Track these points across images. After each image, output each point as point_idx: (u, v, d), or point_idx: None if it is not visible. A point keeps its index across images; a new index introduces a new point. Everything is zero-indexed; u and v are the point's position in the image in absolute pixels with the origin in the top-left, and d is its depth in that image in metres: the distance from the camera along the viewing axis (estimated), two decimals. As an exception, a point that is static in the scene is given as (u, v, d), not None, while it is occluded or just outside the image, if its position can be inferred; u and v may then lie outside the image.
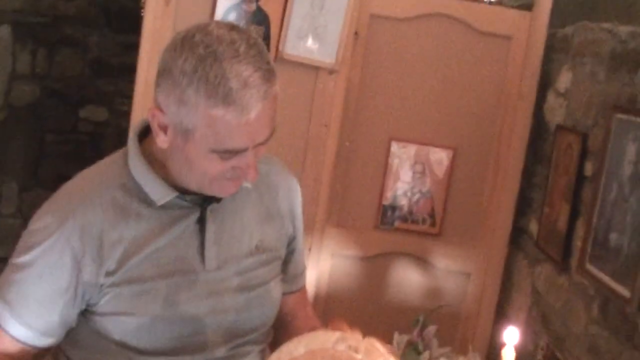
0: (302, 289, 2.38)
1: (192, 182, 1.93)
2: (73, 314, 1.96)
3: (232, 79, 1.78)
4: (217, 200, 2.01)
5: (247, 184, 2.05)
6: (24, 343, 1.94)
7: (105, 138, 6.65)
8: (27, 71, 6.23)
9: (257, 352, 2.14)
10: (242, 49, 1.81)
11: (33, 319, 1.93)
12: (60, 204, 1.96)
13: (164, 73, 1.84)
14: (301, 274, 2.36)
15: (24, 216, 6.40)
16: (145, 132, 2.03)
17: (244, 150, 1.85)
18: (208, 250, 2.00)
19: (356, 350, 1.90)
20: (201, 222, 2.00)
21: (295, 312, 2.33)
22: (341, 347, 1.91)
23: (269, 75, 1.83)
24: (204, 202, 2.00)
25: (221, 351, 2.05)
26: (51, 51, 6.43)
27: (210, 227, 2.01)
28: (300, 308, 2.35)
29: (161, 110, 1.86)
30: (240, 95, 1.78)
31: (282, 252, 2.21)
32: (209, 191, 1.95)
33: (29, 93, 6.30)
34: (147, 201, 1.96)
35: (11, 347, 1.94)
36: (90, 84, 6.70)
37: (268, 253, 2.13)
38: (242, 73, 1.78)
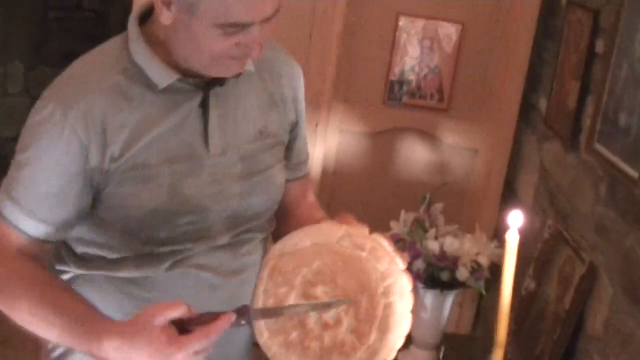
0: (305, 177, 2.36)
1: (196, 62, 1.90)
2: (86, 202, 1.95)
3: None
4: (220, 84, 1.98)
5: (251, 68, 2.03)
6: (42, 239, 1.94)
7: (111, 14, 6.58)
8: (28, -53, 6.17)
9: (260, 239, 2.15)
10: None
11: (48, 214, 1.92)
12: (62, 91, 1.93)
13: None
14: (304, 161, 2.34)
15: (31, 95, 6.40)
16: (145, 16, 1.99)
17: (249, 24, 1.82)
18: (212, 135, 1.98)
19: (361, 248, 1.89)
20: (204, 106, 1.98)
21: (298, 199, 2.32)
22: (346, 243, 1.90)
23: None
24: (207, 85, 1.97)
25: (224, 238, 2.06)
26: None
27: (214, 112, 1.98)
28: (303, 196, 2.34)
29: None
30: None
31: (285, 138, 2.18)
32: (213, 71, 1.92)
33: (31, -31, 6.24)
34: (149, 85, 1.93)
35: (27, 244, 1.94)
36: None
37: (271, 138, 2.11)
38: None
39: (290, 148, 2.24)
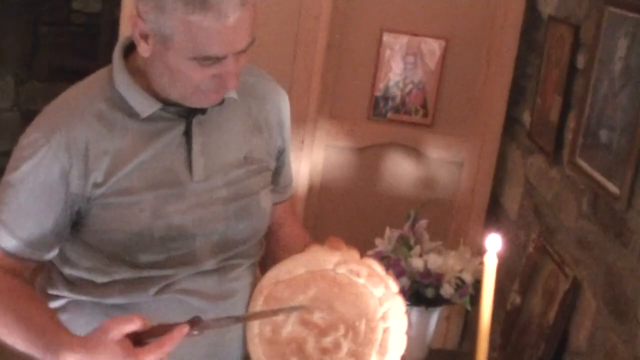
0: (290, 199, 2.41)
1: (174, 92, 1.94)
2: (66, 227, 2.00)
3: None
4: (203, 112, 2.02)
5: (234, 95, 2.06)
6: (18, 257, 1.99)
7: (100, 28, 6.60)
8: (17, -37, 6.19)
9: (247, 265, 2.17)
10: None
11: (27, 233, 1.97)
12: (48, 119, 1.98)
13: None
14: (289, 184, 2.39)
15: (21, 109, 6.41)
16: (130, 49, 2.03)
17: (223, 57, 1.86)
18: (195, 162, 2.02)
19: (358, 274, 1.94)
20: (187, 134, 2.01)
21: (281, 220, 2.36)
22: (342, 270, 1.95)
23: None
24: (189, 114, 2.01)
25: (211, 264, 2.08)
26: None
27: (197, 139, 2.02)
28: (286, 217, 2.39)
29: (141, 18, 1.86)
30: (218, 1, 1.79)
31: (272, 164, 2.22)
32: (192, 101, 1.96)
33: (21, -15, 6.25)
34: (131, 114, 1.97)
35: (8, 261, 2.00)
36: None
37: (257, 164, 2.14)
38: None
39: (278, 173, 2.28)
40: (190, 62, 1.86)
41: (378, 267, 2.00)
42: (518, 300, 3.14)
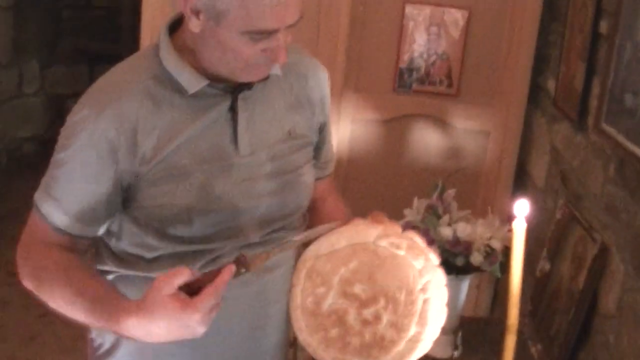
0: (331, 174, 2.46)
1: (224, 67, 1.98)
2: (116, 202, 2.05)
3: None
4: (248, 87, 2.06)
5: (277, 71, 2.10)
6: (72, 234, 2.04)
7: (121, 12, 6.63)
8: (39, -50, 6.23)
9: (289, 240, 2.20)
10: None
11: (78, 209, 2.02)
12: (96, 96, 2.03)
13: None
14: (331, 160, 2.44)
15: (47, 93, 6.45)
16: (175, 25, 2.08)
17: (275, 31, 1.90)
18: (241, 137, 2.06)
19: (398, 247, 1.97)
20: (233, 109, 2.06)
21: (324, 196, 2.41)
22: (383, 242, 1.98)
23: None
24: (235, 90, 2.05)
25: (256, 237, 2.13)
26: None
27: (243, 115, 2.06)
28: (328, 192, 2.45)
29: None
30: None
31: (314, 139, 2.27)
32: (240, 76, 2.00)
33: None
34: (179, 90, 2.02)
35: (63, 239, 2.05)
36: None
37: (300, 139, 2.19)
38: None
39: (319, 148, 2.33)
40: (242, 36, 1.90)
41: (419, 240, 2.03)
42: (547, 266, 3.16)
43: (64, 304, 1.97)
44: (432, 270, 1.99)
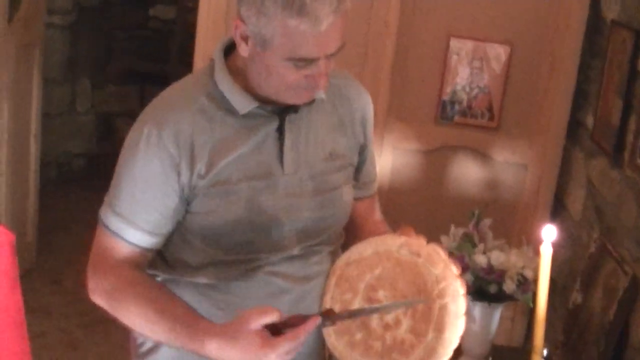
0: (373, 195, 2.55)
1: (270, 90, 2.10)
2: (181, 213, 2.17)
3: None
4: (295, 110, 2.17)
5: (322, 95, 2.20)
6: (142, 247, 2.16)
7: (173, 35, 6.76)
8: (96, -28, 6.38)
9: (328, 252, 2.32)
10: None
11: (148, 223, 2.14)
12: (157, 113, 2.15)
13: None
14: (372, 181, 2.53)
15: (97, 112, 6.60)
16: (228, 50, 2.20)
17: (316, 59, 2.02)
18: (286, 156, 2.18)
19: (418, 254, 2.08)
20: (280, 130, 2.17)
21: (365, 216, 2.50)
22: (404, 251, 2.09)
23: None
24: (282, 112, 2.17)
25: (295, 250, 2.23)
26: (119, -49, 6.56)
27: (289, 135, 2.17)
28: (370, 213, 2.53)
29: (243, 21, 2.03)
30: (314, 8, 1.95)
31: (355, 160, 2.37)
32: (285, 98, 2.12)
33: (98, -6, 6.45)
34: (231, 110, 2.14)
35: (133, 254, 2.16)
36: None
37: (341, 160, 2.30)
38: None
39: (359, 169, 2.43)
40: (286, 62, 2.02)
41: (440, 251, 2.13)
42: (580, 298, 3.22)
43: (144, 323, 2.10)
44: (450, 278, 2.07)
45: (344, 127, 2.32)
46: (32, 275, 4.88)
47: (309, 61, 2.02)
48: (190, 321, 2.04)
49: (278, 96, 2.11)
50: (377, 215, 2.58)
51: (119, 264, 2.14)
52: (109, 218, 2.15)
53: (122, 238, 2.14)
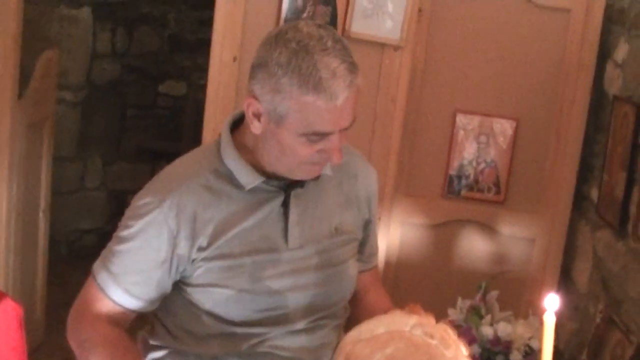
0: (375, 267, 2.58)
1: (282, 166, 2.13)
2: (168, 283, 2.19)
3: (322, 70, 1.99)
4: (301, 185, 2.21)
5: (328, 171, 2.25)
6: (123, 307, 2.18)
7: (184, 111, 6.84)
8: (107, 50, 6.46)
9: (334, 326, 2.33)
10: (329, 43, 2.02)
11: (132, 286, 2.16)
12: (160, 185, 2.19)
13: (259, 66, 2.06)
14: (374, 253, 2.56)
15: (108, 189, 6.63)
16: (235, 124, 2.25)
17: (331, 133, 2.06)
18: (291, 231, 2.20)
19: (431, 337, 2.10)
20: (285, 205, 2.20)
21: (367, 287, 2.51)
22: (417, 332, 2.11)
23: (353, 68, 2.04)
24: (288, 187, 2.20)
25: (301, 324, 2.25)
26: (130, 29, 6.64)
27: (294, 210, 2.20)
28: (372, 284, 2.54)
29: (256, 99, 2.07)
30: (330, 84, 1.99)
31: (359, 235, 2.40)
32: (296, 174, 2.15)
33: (110, 71, 6.52)
34: (236, 185, 2.17)
35: (114, 310, 2.18)
36: (168, 60, 6.90)
37: (346, 235, 2.32)
38: (330, 65, 2.00)
39: (363, 243, 2.45)
40: (300, 138, 2.06)
41: (451, 332, 2.15)
42: (587, 369, 3.24)
43: None
44: (461, 359, 2.09)
45: (349, 202, 2.35)
46: (41, 352, 4.86)
47: (323, 135, 2.06)
48: None
49: (289, 172, 2.15)
50: (379, 286, 2.59)
51: (98, 318, 2.17)
52: (99, 271, 2.19)
53: (106, 294, 2.17)
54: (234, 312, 2.19)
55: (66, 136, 6.23)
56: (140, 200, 2.17)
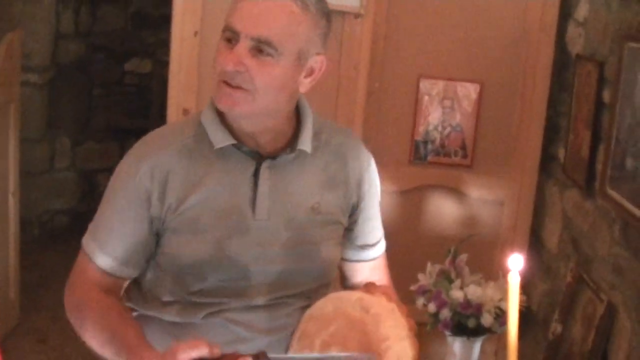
0: (378, 258, 2.53)
1: (213, 85, 2.13)
2: (151, 244, 2.22)
3: None
4: (272, 158, 2.19)
5: (307, 149, 2.22)
6: (113, 275, 2.21)
7: (151, 88, 6.81)
8: (71, 30, 6.43)
9: (300, 307, 2.28)
10: None
11: (119, 251, 2.20)
12: (140, 149, 2.24)
13: None
14: (372, 245, 2.50)
15: (78, 169, 6.62)
16: None
17: (238, 33, 2.05)
18: (259, 201, 2.19)
19: (367, 311, 2.09)
20: (256, 175, 2.19)
21: (371, 280, 2.40)
22: (357, 307, 2.11)
23: None
24: (260, 157, 2.19)
25: (261, 299, 2.23)
26: (93, 8, 6.60)
27: (264, 182, 2.19)
28: (375, 276, 2.48)
29: None
30: None
31: (343, 220, 2.35)
32: (216, 96, 2.12)
33: (75, 51, 6.49)
34: (211, 147, 2.18)
35: (103, 277, 2.21)
36: (133, 37, 6.87)
37: (324, 216, 2.28)
38: None
39: (351, 229, 2.41)
40: (221, 39, 2.10)
41: (396, 310, 2.13)
42: (559, 329, 3.25)
43: (96, 344, 2.13)
44: (395, 338, 2.07)
45: (334, 184, 2.30)
46: (17, 334, 4.87)
47: (231, 32, 2.06)
48: (135, 348, 2.03)
49: (214, 95, 2.13)
50: (385, 279, 2.53)
51: (89, 285, 2.20)
52: (87, 240, 2.23)
53: (94, 262, 2.20)
54: (196, 278, 2.19)
55: (34, 118, 6.20)
56: (122, 164, 2.23)
